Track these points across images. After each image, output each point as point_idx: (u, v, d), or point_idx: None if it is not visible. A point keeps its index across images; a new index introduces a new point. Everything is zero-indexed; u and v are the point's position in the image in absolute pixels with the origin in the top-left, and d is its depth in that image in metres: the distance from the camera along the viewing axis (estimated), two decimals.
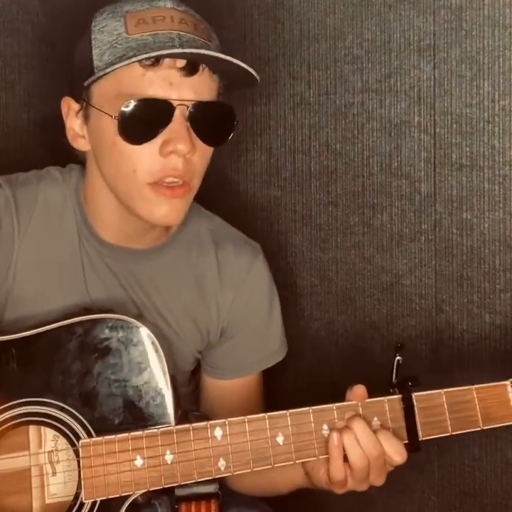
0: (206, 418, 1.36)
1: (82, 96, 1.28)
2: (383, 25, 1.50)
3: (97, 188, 1.32)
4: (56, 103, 1.67)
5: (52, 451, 1.24)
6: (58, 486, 1.24)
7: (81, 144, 1.32)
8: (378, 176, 1.54)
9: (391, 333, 1.56)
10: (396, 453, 1.20)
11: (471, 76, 1.44)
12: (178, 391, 1.28)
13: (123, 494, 1.20)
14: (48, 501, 1.24)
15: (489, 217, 1.45)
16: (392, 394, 1.23)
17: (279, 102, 1.59)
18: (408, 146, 1.50)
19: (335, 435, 1.19)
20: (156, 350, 1.25)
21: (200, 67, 1.23)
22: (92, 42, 1.25)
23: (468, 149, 1.46)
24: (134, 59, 1.19)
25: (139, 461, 1.20)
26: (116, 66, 1.20)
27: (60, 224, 1.35)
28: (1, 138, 1.60)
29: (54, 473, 1.24)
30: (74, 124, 1.31)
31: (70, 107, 1.31)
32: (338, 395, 1.60)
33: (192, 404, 1.47)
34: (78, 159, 1.37)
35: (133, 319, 1.26)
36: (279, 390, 1.54)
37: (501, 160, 1.43)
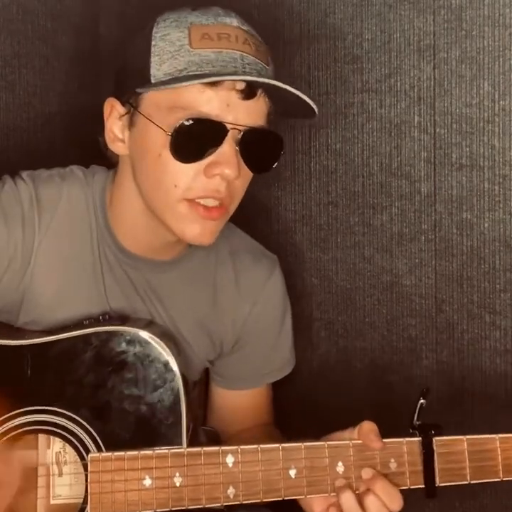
0: (217, 435, 1.34)
1: (129, 100, 1.24)
2: (383, 25, 1.50)
3: (127, 196, 1.30)
4: (56, 102, 1.67)
5: (59, 462, 1.24)
6: (64, 490, 1.24)
7: (119, 148, 1.28)
8: (378, 176, 1.54)
9: (391, 333, 1.56)
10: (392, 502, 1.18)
11: (471, 76, 1.44)
12: (191, 406, 1.26)
13: None
14: (52, 502, 1.24)
15: (489, 217, 1.45)
16: (411, 435, 1.20)
17: None
18: (408, 146, 1.50)
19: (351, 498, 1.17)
20: (172, 370, 1.22)
21: (258, 92, 1.21)
22: (152, 48, 1.21)
23: (468, 149, 1.46)
24: (198, 81, 1.16)
25: (147, 481, 1.17)
26: (180, 84, 1.17)
27: (81, 227, 1.33)
28: (1, 138, 1.60)
29: (60, 474, 1.24)
30: (114, 126, 1.27)
31: (113, 109, 1.27)
32: (338, 396, 1.60)
33: (197, 409, 1.47)
34: (110, 162, 1.34)
35: (151, 336, 1.23)
36: (278, 391, 1.53)
37: (501, 160, 1.43)
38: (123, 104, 1.26)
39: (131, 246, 1.33)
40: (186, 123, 1.19)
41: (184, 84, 1.17)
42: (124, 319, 1.30)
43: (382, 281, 1.55)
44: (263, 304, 1.42)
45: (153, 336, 1.23)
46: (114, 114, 1.27)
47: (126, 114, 1.26)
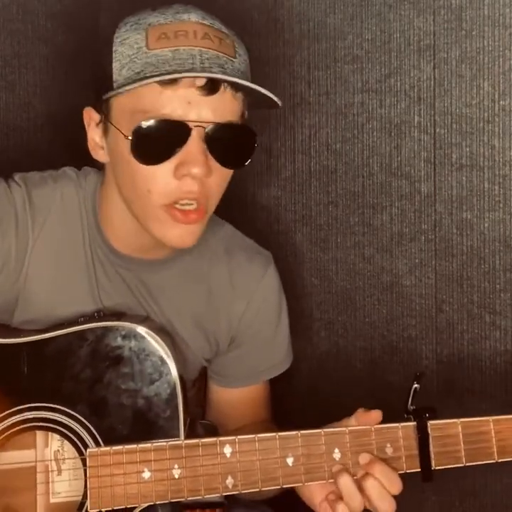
0: (215, 428, 1.34)
1: (102, 108, 1.24)
2: (383, 25, 1.50)
3: (113, 200, 1.30)
4: (56, 102, 1.67)
5: (57, 459, 1.24)
6: (63, 488, 1.24)
7: (100, 156, 1.28)
8: (378, 176, 1.54)
9: (391, 333, 1.56)
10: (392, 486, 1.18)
11: (471, 76, 1.44)
12: (187, 399, 1.26)
13: (129, 506, 1.18)
14: (52, 501, 1.24)
15: (489, 217, 1.45)
16: (406, 420, 1.20)
17: None
18: (408, 146, 1.51)
19: (349, 481, 1.17)
20: (168, 363, 1.22)
21: (222, 87, 1.18)
22: (113, 54, 1.20)
23: (468, 149, 1.46)
24: (150, 80, 1.15)
25: (146, 474, 1.17)
26: (132, 86, 1.16)
27: (74, 228, 1.33)
28: (1, 138, 1.60)
29: (59, 472, 1.24)
30: (94, 134, 1.28)
31: (91, 118, 1.28)
32: (338, 396, 1.60)
33: (195, 407, 1.47)
34: (96, 164, 1.34)
35: (147, 330, 1.23)
36: (278, 391, 1.53)
37: (501, 160, 1.43)
38: (98, 111, 1.26)
39: (121, 247, 1.33)
40: (143, 125, 1.18)
41: (131, 86, 1.16)
42: (119, 316, 1.30)
43: (382, 281, 1.55)
44: (258, 302, 1.41)
45: (148, 330, 1.23)
46: (92, 123, 1.28)
47: (100, 121, 1.26)
